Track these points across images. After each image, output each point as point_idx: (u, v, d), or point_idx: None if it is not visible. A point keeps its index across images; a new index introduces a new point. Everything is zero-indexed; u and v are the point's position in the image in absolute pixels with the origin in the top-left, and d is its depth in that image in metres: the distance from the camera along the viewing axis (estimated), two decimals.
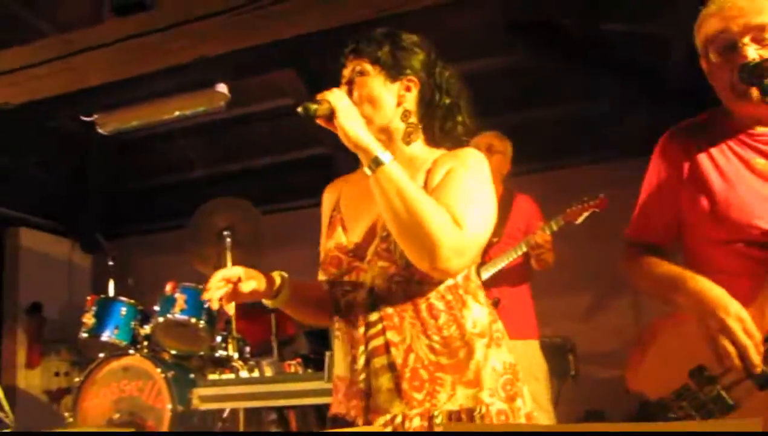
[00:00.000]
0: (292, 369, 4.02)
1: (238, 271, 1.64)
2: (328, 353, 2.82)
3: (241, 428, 3.60)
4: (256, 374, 3.56)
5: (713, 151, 1.71)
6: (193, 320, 4.11)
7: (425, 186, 1.60)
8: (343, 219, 1.72)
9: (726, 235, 1.64)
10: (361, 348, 1.56)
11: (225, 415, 3.85)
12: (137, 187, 7.35)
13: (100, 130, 5.29)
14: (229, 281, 1.62)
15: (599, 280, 5.28)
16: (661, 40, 4.75)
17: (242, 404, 3.28)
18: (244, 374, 3.54)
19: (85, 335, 4.23)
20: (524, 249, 3.56)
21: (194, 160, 6.77)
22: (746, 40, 1.61)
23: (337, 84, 1.68)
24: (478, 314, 1.59)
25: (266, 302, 1.72)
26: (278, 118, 6.24)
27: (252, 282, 1.64)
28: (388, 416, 1.51)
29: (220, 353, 4.26)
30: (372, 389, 1.54)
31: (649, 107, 5.10)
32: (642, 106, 5.34)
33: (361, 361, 1.56)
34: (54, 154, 6.65)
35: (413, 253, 1.50)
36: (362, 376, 1.55)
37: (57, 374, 6.62)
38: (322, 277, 1.72)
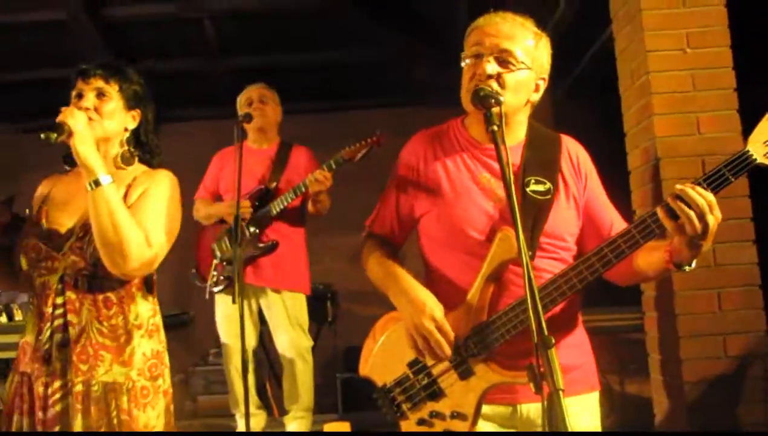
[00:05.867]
0: None
1: None
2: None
3: None
4: None
5: (448, 159, 1.83)
6: None
7: (125, 198, 1.95)
8: (49, 212, 2.01)
9: (448, 240, 1.78)
10: (48, 324, 1.89)
11: None
12: None
13: None
14: None
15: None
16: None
17: None
18: None
19: None
20: (303, 190, 3.60)
21: None
22: (491, 57, 1.74)
23: None
24: (142, 309, 1.99)
25: None
26: None
27: None
28: (61, 382, 1.87)
29: None
30: (52, 358, 1.88)
31: (434, 59, 5.28)
32: (429, 58, 5.55)
33: (47, 334, 1.89)
34: None
35: (109, 259, 1.84)
36: (46, 346, 1.88)
37: None
38: (21, 258, 1.97)
